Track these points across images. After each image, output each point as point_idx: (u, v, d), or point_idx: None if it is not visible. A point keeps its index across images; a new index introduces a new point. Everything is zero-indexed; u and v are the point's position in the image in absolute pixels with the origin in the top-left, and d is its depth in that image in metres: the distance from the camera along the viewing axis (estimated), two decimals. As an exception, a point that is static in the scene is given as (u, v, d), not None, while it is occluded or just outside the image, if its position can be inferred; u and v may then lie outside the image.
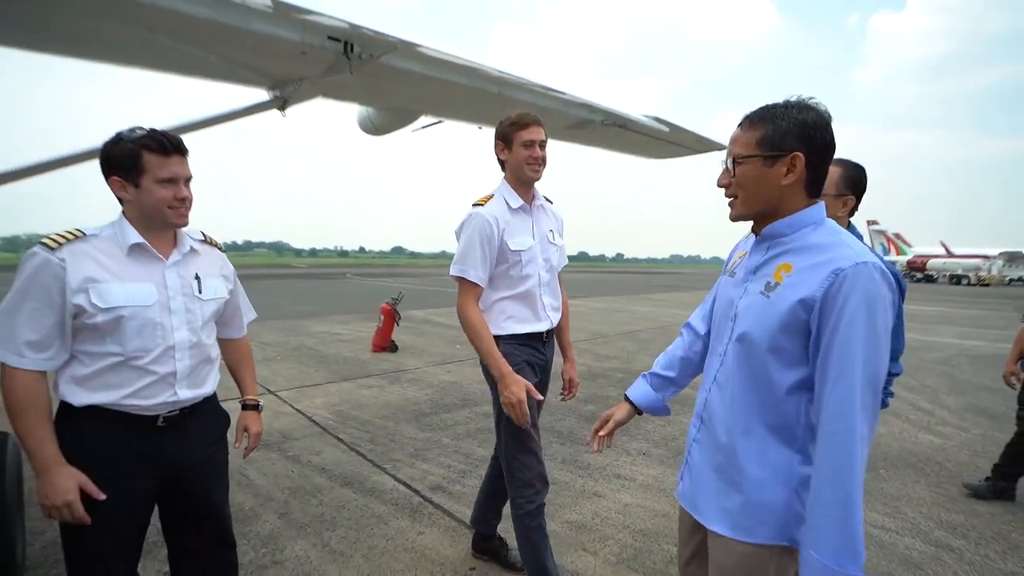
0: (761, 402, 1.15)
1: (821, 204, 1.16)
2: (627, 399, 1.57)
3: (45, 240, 1.39)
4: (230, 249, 1.83)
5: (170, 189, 1.45)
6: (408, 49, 2.58)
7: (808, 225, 1.14)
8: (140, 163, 1.41)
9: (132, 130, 1.43)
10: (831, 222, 1.16)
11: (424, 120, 4.23)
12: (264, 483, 3.26)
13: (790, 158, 1.10)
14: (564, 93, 3.37)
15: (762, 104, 1.18)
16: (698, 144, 5.51)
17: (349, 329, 9.53)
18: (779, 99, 1.16)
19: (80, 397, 1.42)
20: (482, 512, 2.50)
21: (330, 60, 2.72)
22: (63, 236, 1.40)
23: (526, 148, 2.04)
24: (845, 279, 1.02)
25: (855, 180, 1.91)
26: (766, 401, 1.14)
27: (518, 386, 1.94)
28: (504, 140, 2.09)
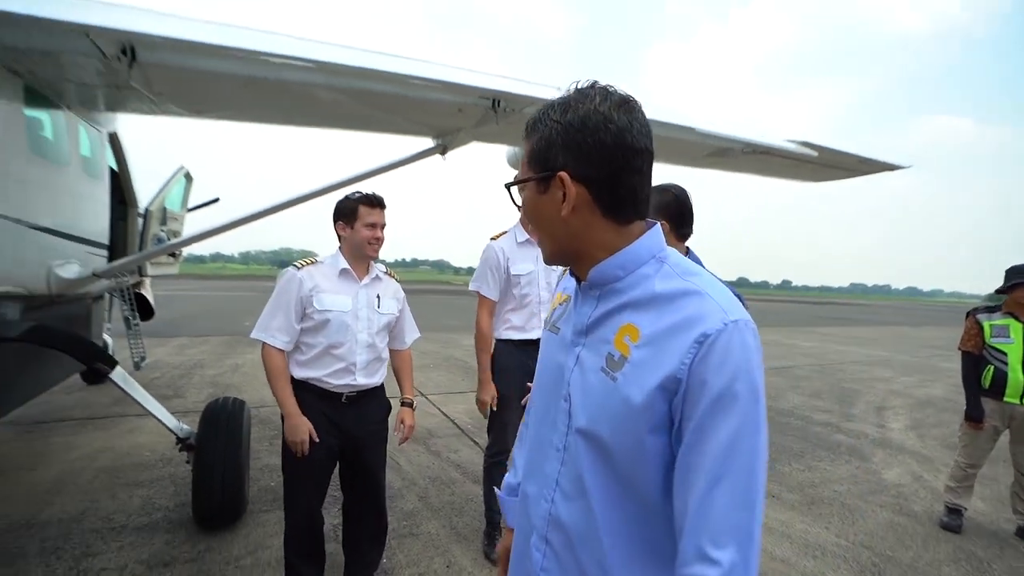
0: (631, 516, 0.80)
1: (656, 229, 0.85)
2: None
3: (296, 263, 2.13)
4: (399, 266, 2.46)
5: (371, 231, 2.11)
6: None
7: (646, 262, 0.82)
8: (357, 212, 2.11)
9: (354, 193, 2.16)
10: (674, 253, 0.84)
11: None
12: (410, 470, 3.84)
13: (558, 179, 0.80)
14: (694, 128, 3.44)
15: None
16: (861, 166, 5.03)
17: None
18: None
19: (299, 373, 2.09)
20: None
21: (481, 114, 3.22)
22: (307, 261, 2.13)
23: None
24: (714, 348, 0.72)
25: (661, 204, 1.73)
26: (638, 514, 0.80)
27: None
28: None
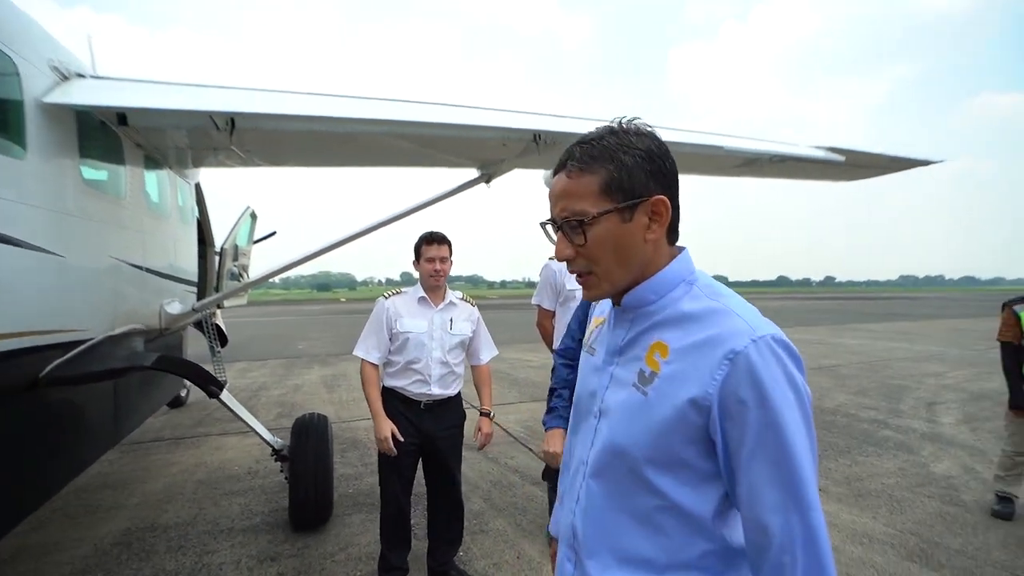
0: (641, 540, 0.83)
1: (685, 254, 0.88)
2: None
3: (385, 294, 2.54)
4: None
5: (431, 264, 2.46)
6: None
7: (676, 286, 0.85)
8: (420, 249, 2.48)
9: (425, 232, 2.47)
10: (703, 276, 0.88)
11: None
12: (473, 475, 4.15)
13: (651, 204, 0.82)
14: (721, 147, 3.69)
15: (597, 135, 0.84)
16: (892, 164, 5.16)
17: (538, 356, 10.53)
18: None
19: (388, 382, 2.50)
20: None
21: (523, 147, 3.56)
22: (393, 291, 2.54)
23: None
24: (746, 366, 0.74)
25: None
26: (648, 539, 0.82)
27: None
28: None
